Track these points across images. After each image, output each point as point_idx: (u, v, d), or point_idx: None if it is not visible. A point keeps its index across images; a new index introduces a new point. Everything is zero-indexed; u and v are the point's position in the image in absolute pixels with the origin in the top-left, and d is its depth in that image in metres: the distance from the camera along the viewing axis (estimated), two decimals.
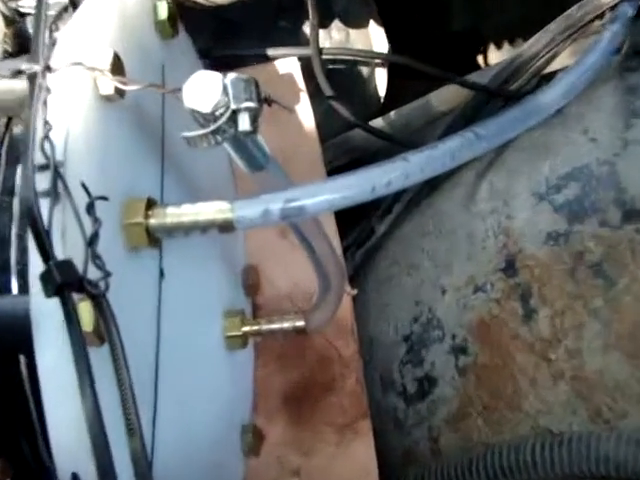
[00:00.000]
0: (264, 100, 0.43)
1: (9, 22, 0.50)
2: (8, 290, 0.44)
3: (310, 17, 0.68)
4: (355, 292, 0.66)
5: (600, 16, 0.67)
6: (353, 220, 0.73)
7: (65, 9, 0.48)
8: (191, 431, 0.48)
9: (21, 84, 0.46)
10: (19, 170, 0.45)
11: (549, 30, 0.70)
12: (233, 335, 0.57)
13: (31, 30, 0.51)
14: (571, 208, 0.61)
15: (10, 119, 0.45)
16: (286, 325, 0.57)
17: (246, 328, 0.57)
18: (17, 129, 0.46)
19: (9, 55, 0.50)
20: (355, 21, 0.80)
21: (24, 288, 0.42)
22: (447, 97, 0.72)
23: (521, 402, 0.57)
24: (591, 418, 0.54)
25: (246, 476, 0.61)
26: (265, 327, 0.57)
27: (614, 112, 0.65)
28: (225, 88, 0.41)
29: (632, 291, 0.56)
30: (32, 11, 0.54)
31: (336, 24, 0.78)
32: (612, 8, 0.66)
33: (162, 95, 0.50)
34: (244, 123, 0.42)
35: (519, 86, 0.70)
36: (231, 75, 0.42)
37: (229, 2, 0.65)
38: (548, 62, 0.70)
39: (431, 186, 0.72)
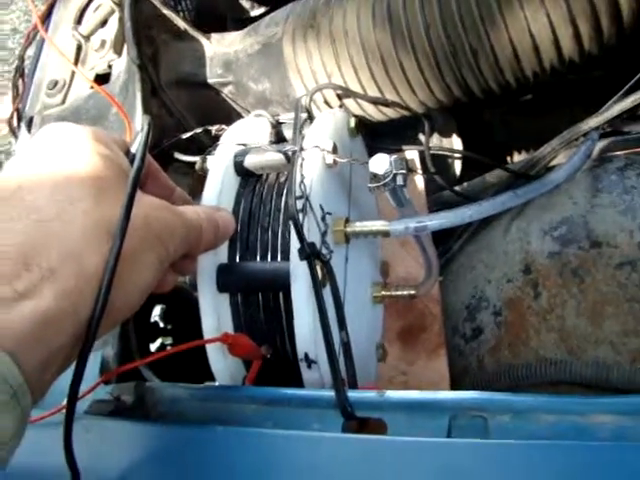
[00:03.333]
0: (409, 170, 0.62)
1: (273, 127, 0.77)
2: (275, 259, 0.62)
3: (426, 130, 0.91)
4: (441, 278, 0.83)
5: (579, 137, 0.82)
6: (440, 242, 0.90)
7: (305, 120, 0.73)
8: (356, 342, 0.60)
9: (279, 156, 0.67)
10: (283, 199, 0.64)
11: (552, 143, 0.85)
12: (377, 295, 0.77)
13: (285, 130, 0.76)
14: (562, 239, 0.77)
15: (278, 174, 0.70)
16: (405, 293, 0.75)
17: (384, 292, 0.76)
18: (281, 178, 0.69)
19: (272, 142, 0.74)
20: (445, 133, 1.04)
21: (285, 257, 0.61)
22: (496, 176, 0.90)
23: (529, 341, 0.74)
24: (568, 350, 0.70)
25: (377, 373, 0.77)
26: (394, 293, 0.76)
27: (587, 188, 0.80)
28: (390, 162, 0.59)
29: (593, 284, 0.72)
30: (286, 121, 0.78)
31: (435, 135, 1.04)
32: (586, 134, 0.81)
33: (350, 166, 0.72)
34: (400, 181, 0.59)
35: (536, 172, 0.85)
36: (394, 156, 0.59)
37: (383, 119, 0.90)
38: (552, 160, 0.85)
39: (486, 223, 0.88)
